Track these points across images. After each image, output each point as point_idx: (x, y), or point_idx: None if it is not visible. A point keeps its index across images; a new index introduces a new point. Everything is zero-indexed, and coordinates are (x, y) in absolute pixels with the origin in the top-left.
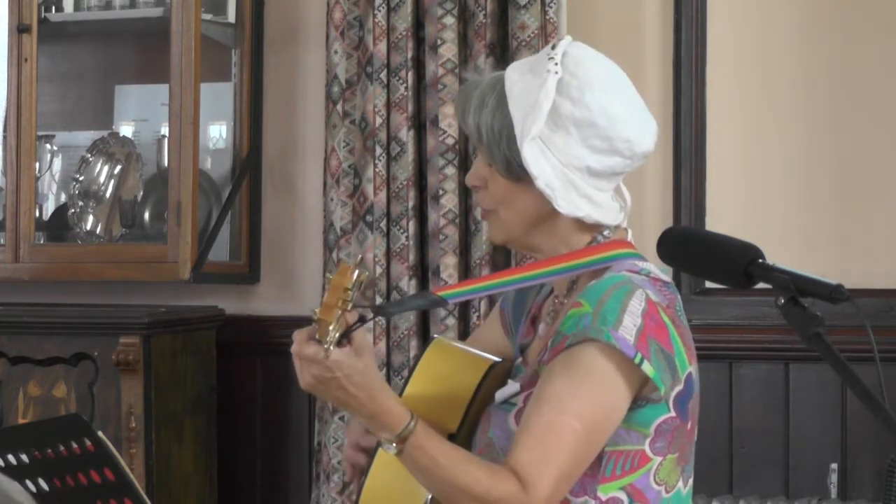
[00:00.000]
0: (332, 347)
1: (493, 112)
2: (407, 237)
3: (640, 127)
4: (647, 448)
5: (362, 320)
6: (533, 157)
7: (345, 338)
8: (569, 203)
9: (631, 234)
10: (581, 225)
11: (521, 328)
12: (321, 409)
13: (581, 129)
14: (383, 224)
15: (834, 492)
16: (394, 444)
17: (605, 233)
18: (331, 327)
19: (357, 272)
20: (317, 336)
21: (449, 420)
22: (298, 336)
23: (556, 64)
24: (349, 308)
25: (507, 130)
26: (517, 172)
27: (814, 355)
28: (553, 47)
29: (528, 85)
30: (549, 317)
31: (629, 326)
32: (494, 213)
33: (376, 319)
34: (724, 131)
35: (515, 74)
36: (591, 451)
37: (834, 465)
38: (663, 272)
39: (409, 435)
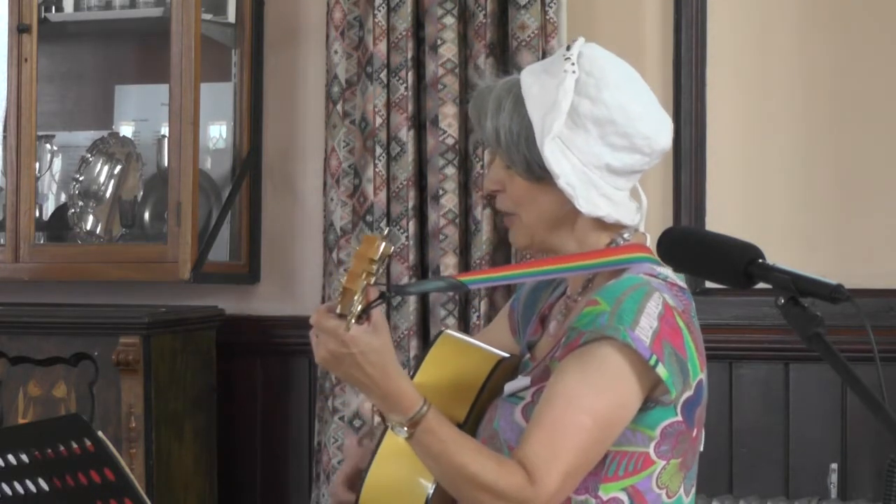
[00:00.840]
0: (352, 321)
1: (511, 114)
2: (407, 237)
3: (658, 123)
4: (651, 451)
5: (383, 297)
6: (554, 156)
7: (365, 313)
8: (589, 202)
9: (649, 239)
10: (600, 225)
11: (529, 327)
12: (321, 409)
13: (600, 126)
14: (383, 224)
15: (834, 492)
16: (405, 428)
17: (625, 235)
18: (356, 297)
19: (383, 245)
20: (338, 309)
21: (456, 411)
22: (319, 309)
23: (573, 64)
24: (373, 282)
25: (525, 132)
26: (537, 173)
27: (814, 355)
28: (568, 48)
29: (545, 85)
30: (561, 315)
31: (645, 328)
32: (516, 216)
33: None
34: (724, 131)
35: (531, 77)
36: (601, 449)
37: (834, 465)
38: (679, 278)
39: (420, 419)
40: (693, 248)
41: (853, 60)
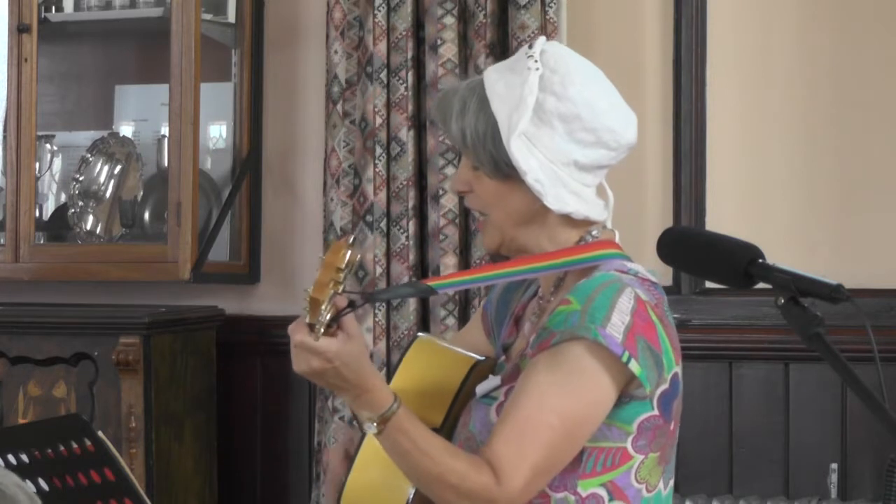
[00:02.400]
0: (321, 329)
1: (476, 114)
2: (407, 237)
3: (623, 118)
4: (628, 446)
5: (351, 305)
6: (521, 153)
7: (335, 322)
8: (558, 199)
9: (618, 236)
10: (569, 222)
11: (504, 329)
12: (321, 409)
13: (567, 123)
14: (383, 224)
15: (834, 492)
16: (375, 424)
17: (594, 232)
18: (323, 307)
19: (349, 252)
20: (307, 319)
21: (433, 415)
22: (295, 326)
23: (536, 61)
24: (340, 290)
25: (491, 130)
26: (505, 171)
27: (814, 355)
28: (530, 46)
29: (509, 83)
30: (535, 316)
31: (617, 324)
32: (486, 217)
33: (377, 321)
34: (724, 131)
35: (495, 75)
36: (571, 448)
37: (834, 465)
38: (651, 273)
39: (391, 416)
40: (693, 248)
41: (853, 60)
